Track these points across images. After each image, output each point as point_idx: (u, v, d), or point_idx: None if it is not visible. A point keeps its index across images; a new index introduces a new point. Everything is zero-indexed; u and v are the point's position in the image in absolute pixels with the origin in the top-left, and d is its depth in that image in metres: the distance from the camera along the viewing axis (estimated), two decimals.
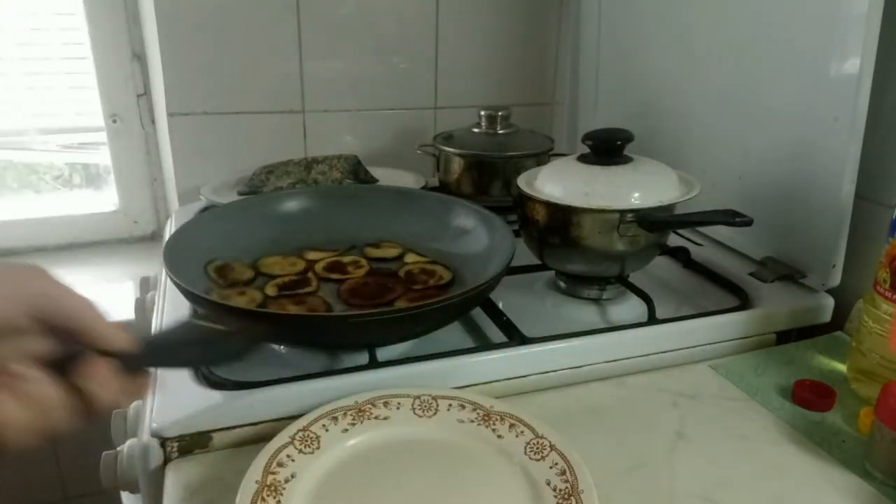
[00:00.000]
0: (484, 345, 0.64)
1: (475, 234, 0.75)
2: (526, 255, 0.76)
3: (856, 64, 0.64)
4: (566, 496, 0.46)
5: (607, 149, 0.72)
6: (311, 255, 0.75)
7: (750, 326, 0.69)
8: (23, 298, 0.37)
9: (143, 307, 0.83)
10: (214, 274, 0.69)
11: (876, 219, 0.70)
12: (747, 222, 0.64)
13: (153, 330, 0.69)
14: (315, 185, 0.96)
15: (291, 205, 0.80)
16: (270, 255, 0.74)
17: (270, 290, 0.68)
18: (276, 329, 0.56)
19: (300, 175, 0.97)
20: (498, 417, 0.53)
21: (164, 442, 0.52)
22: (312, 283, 0.70)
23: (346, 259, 0.75)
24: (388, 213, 0.80)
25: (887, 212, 0.60)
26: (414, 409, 0.54)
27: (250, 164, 1.00)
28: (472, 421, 0.54)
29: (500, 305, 0.69)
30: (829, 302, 0.72)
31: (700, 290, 0.79)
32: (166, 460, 0.52)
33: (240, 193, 0.96)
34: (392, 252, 0.76)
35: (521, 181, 0.74)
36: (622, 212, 0.67)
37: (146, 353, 0.41)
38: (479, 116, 1.00)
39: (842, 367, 0.64)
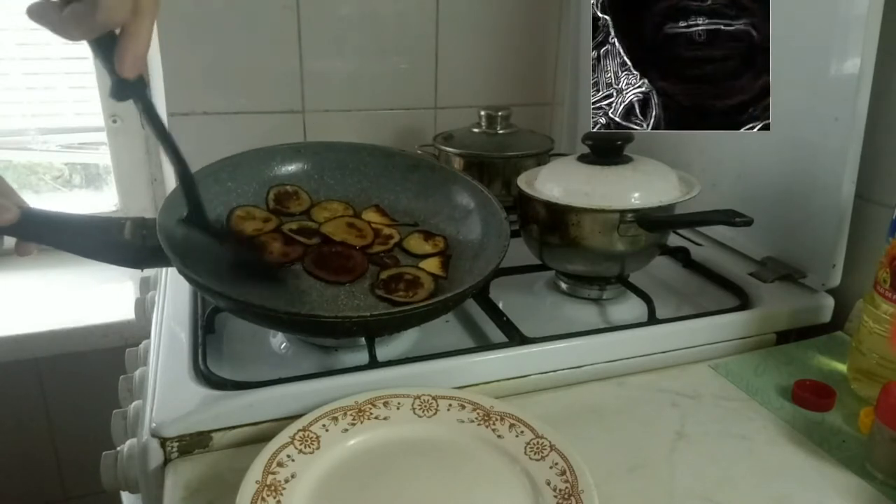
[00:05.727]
0: (484, 345, 0.64)
1: (472, 218, 0.72)
2: (526, 255, 0.76)
3: (856, 64, 0.64)
4: (566, 496, 0.46)
5: (607, 149, 0.72)
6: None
7: (750, 326, 0.69)
8: None
9: (144, 307, 0.83)
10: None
11: (876, 219, 0.70)
12: (747, 222, 0.64)
13: (152, 330, 0.69)
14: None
15: (286, 169, 0.76)
16: (243, 205, 0.72)
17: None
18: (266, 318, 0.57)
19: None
20: (498, 417, 0.53)
21: (164, 442, 0.52)
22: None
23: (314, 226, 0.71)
24: (387, 180, 0.77)
25: (887, 212, 0.60)
26: (414, 409, 0.54)
27: None
28: (472, 421, 0.53)
29: (501, 305, 0.70)
30: (829, 302, 0.72)
31: (700, 290, 0.79)
32: (166, 460, 0.52)
33: None
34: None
35: (521, 181, 0.74)
36: (622, 212, 0.67)
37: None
38: (479, 116, 1.00)
39: (842, 367, 0.64)
